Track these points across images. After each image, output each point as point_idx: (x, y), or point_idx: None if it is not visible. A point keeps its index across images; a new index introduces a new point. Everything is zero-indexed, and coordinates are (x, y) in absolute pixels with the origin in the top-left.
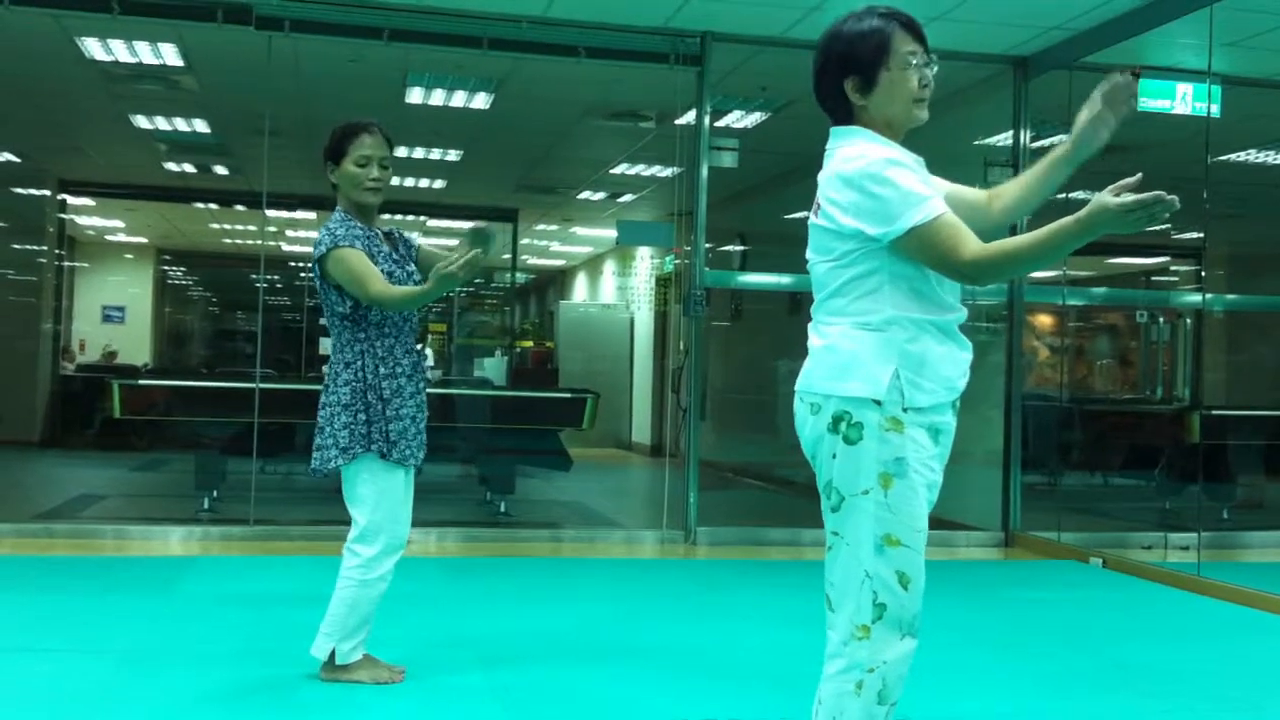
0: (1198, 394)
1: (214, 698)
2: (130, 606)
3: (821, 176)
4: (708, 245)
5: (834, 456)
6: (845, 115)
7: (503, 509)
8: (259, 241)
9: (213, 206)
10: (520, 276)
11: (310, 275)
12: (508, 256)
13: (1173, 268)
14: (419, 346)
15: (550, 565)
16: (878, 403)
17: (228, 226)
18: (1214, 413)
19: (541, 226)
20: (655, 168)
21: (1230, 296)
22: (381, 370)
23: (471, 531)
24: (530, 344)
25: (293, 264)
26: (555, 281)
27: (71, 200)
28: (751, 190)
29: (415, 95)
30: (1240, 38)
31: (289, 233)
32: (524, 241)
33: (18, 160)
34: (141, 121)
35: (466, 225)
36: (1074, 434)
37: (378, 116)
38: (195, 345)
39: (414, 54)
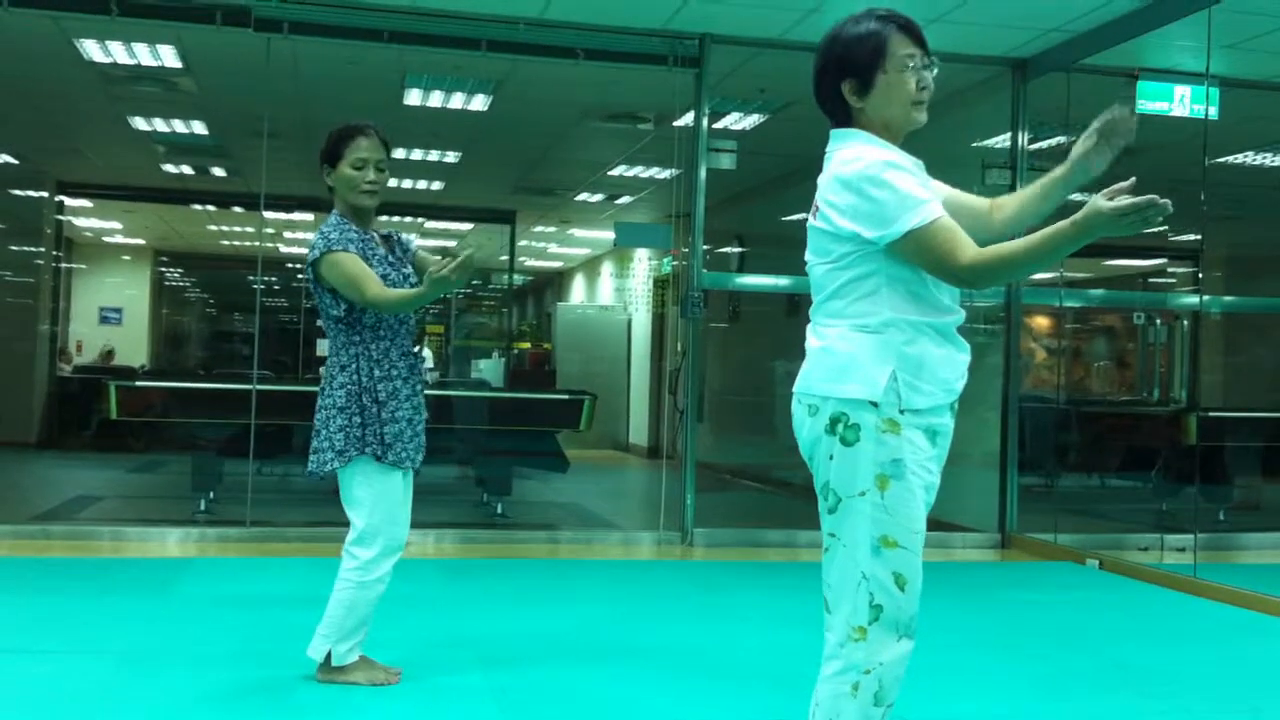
0: (1194, 396)
1: (211, 699)
2: (127, 608)
3: (821, 179)
4: (705, 247)
5: (831, 458)
6: (844, 118)
7: (500, 510)
8: (257, 243)
9: (210, 208)
10: (518, 278)
11: (306, 278)
12: (505, 258)
13: (1170, 270)
14: (416, 349)
15: (547, 566)
16: (875, 404)
17: (225, 228)
18: (1211, 414)
19: (539, 228)
20: (653, 169)
21: (1227, 298)
22: (376, 373)
23: (468, 533)
24: (528, 345)
25: (290, 266)
26: (553, 283)
27: (69, 202)
28: (749, 192)
29: (413, 97)
30: (1238, 40)
31: (287, 234)
32: (522, 243)
33: (16, 162)
34: (140, 123)
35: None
36: (1071, 436)
37: (376, 118)
38: (192, 347)
39: (412, 56)
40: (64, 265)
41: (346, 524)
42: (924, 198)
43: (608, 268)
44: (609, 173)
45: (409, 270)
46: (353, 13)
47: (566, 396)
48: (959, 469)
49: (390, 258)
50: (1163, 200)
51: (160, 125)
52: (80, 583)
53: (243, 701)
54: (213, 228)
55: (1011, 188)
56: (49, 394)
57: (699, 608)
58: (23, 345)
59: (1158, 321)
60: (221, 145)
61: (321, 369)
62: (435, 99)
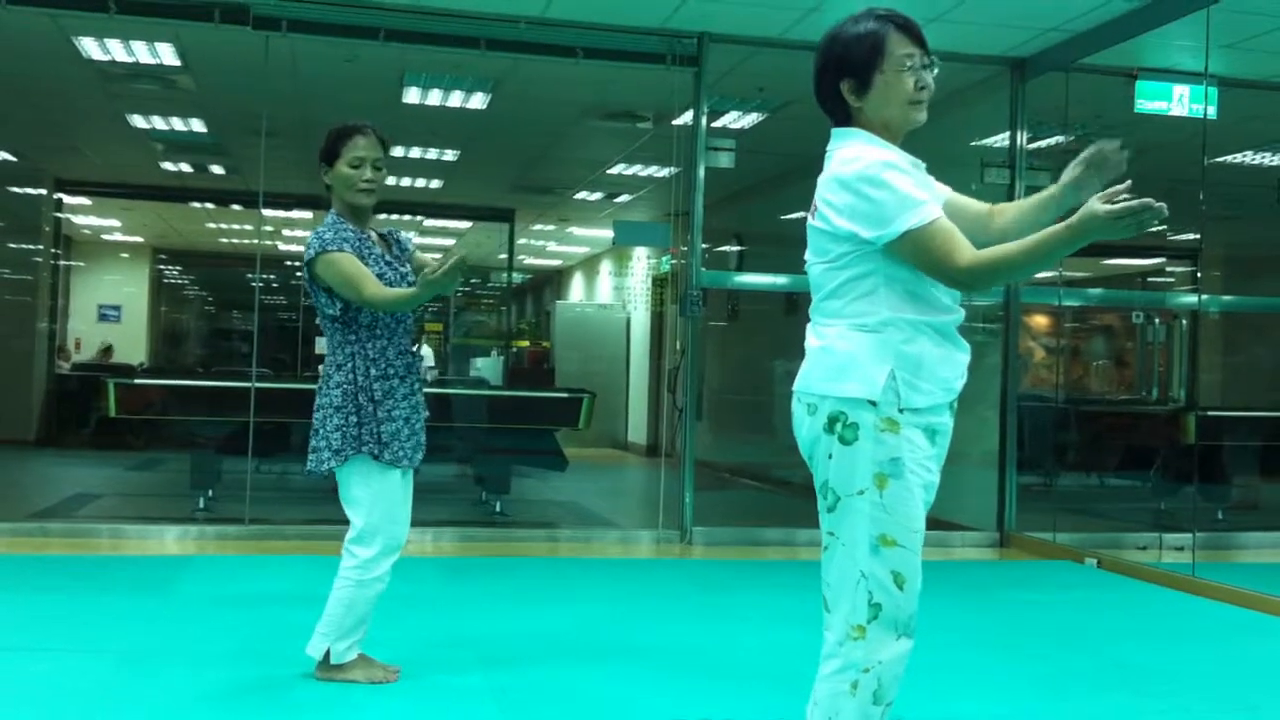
0: (1193, 395)
1: (210, 697)
2: (126, 606)
3: (820, 178)
4: (704, 246)
5: (830, 457)
6: (844, 117)
7: (499, 509)
8: (255, 241)
9: (209, 206)
10: (517, 276)
11: (302, 277)
12: (504, 256)
13: (1169, 269)
14: (415, 347)
15: (546, 565)
16: (873, 403)
17: (224, 226)
18: (1209, 414)
19: (538, 226)
20: (652, 168)
21: (1226, 298)
22: (373, 372)
23: (467, 531)
24: (526, 344)
25: (289, 263)
26: (552, 281)
27: (68, 199)
28: (748, 191)
29: (412, 95)
30: (1237, 40)
31: (285, 232)
32: (520, 241)
33: (14, 159)
34: (138, 121)
35: (465, 225)
36: (1070, 435)
37: (374, 116)
38: (191, 344)
39: (411, 54)
40: (62, 263)
41: (346, 522)
42: (922, 199)
43: (606, 266)
44: (608, 171)
45: (407, 269)
46: (351, 11)
47: (565, 395)
48: (957, 468)
49: (387, 257)
50: (1158, 204)
51: (159, 123)
52: (79, 581)
53: (241, 699)
54: (211, 225)
55: (1010, 186)
56: (47, 392)
57: (698, 606)
58: (21, 343)
59: (1156, 321)
60: (220, 143)
61: (320, 367)
62: (434, 97)
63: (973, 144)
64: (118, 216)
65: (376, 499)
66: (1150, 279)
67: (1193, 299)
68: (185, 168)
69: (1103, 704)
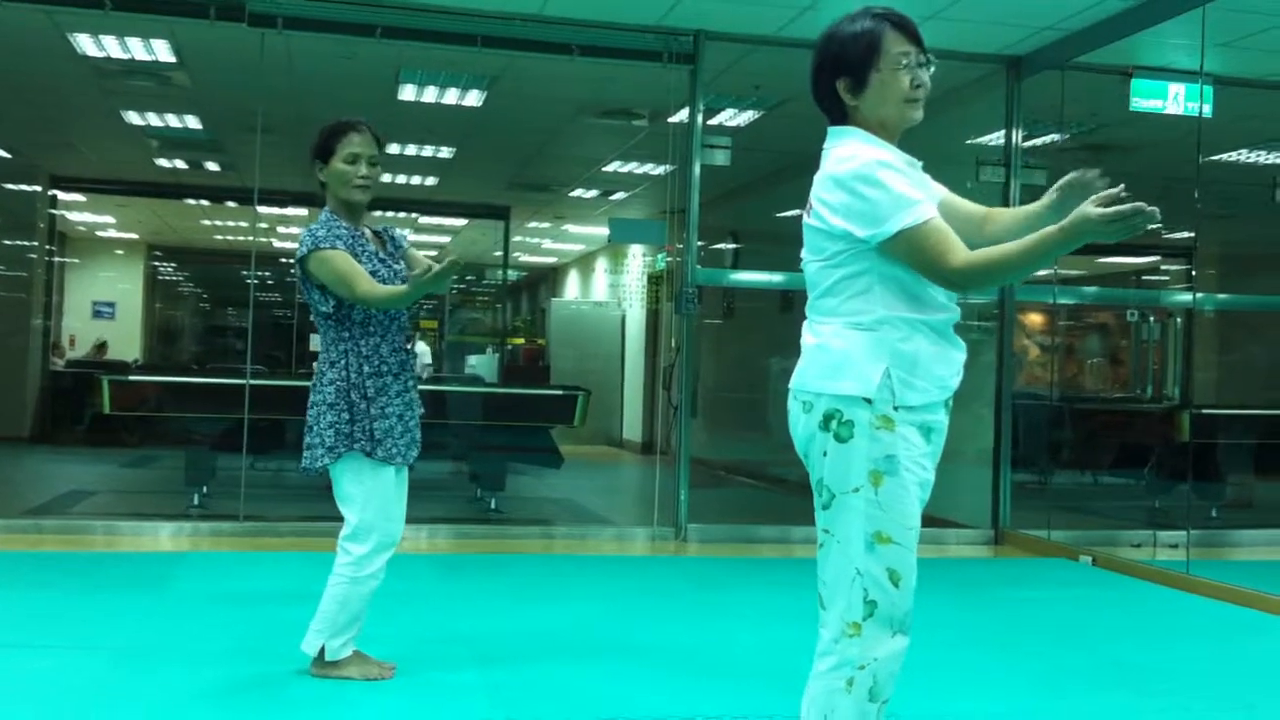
0: (1188, 393)
1: (205, 694)
2: (121, 603)
3: (816, 177)
4: (700, 243)
5: (825, 454)
6: (840, 116)
7: (494, 506)
8: (250, 238)
9: (204, 203)
10: (512, 274)
11: (295, 274)
12: (499, 254)
13: (1164, 267)
14: (409, 345)
15: (541, 562)
16: (868, 401)
17: (219, 223)
18: (1204, 412)
19: (533, 224)
20: (648, 166)
21: (1221, 296)
22: (366, 369)
23: (462, 528)
24: (522, 341)
25: (284, 260)
26: (547, 279)
27: (63, 196)
28: (744, 189)
29: (408, 92)
30: (1232, 38)
31: (280, 229)
32: (516, 239)
33: (9, 156)
34: (133, 117)
35: (460, 222)
36: (1064, 433)
37: (370, 113)
38: (186, 341)
39: (407, 51)
40: (57, 260)
41: (340, 519)
42: (916, 198)
43: (602, 263)
44: (603, 169)
45: (400, 266)
46: (347, 7)
47: (560, 392)
48: (952, 465)
49: (381, 254)
50: (1150, 208)
51: (154, 120)
52: (73, 578)
53: (236, 696)
54: (206, 222)
55: (1005, 185)
56: (42, 388)
57: (693, 604)
58: (16, 340)
59: (1151, 319)
60: (215, 140)
61: (314, 364)
62: (430, 94)
63: (968, 142)
64: (113, 213)
65: (370, 496)
66: (1145, 277)
67: (1187, 297)
68: (180, 164)
69: (1098, 702)
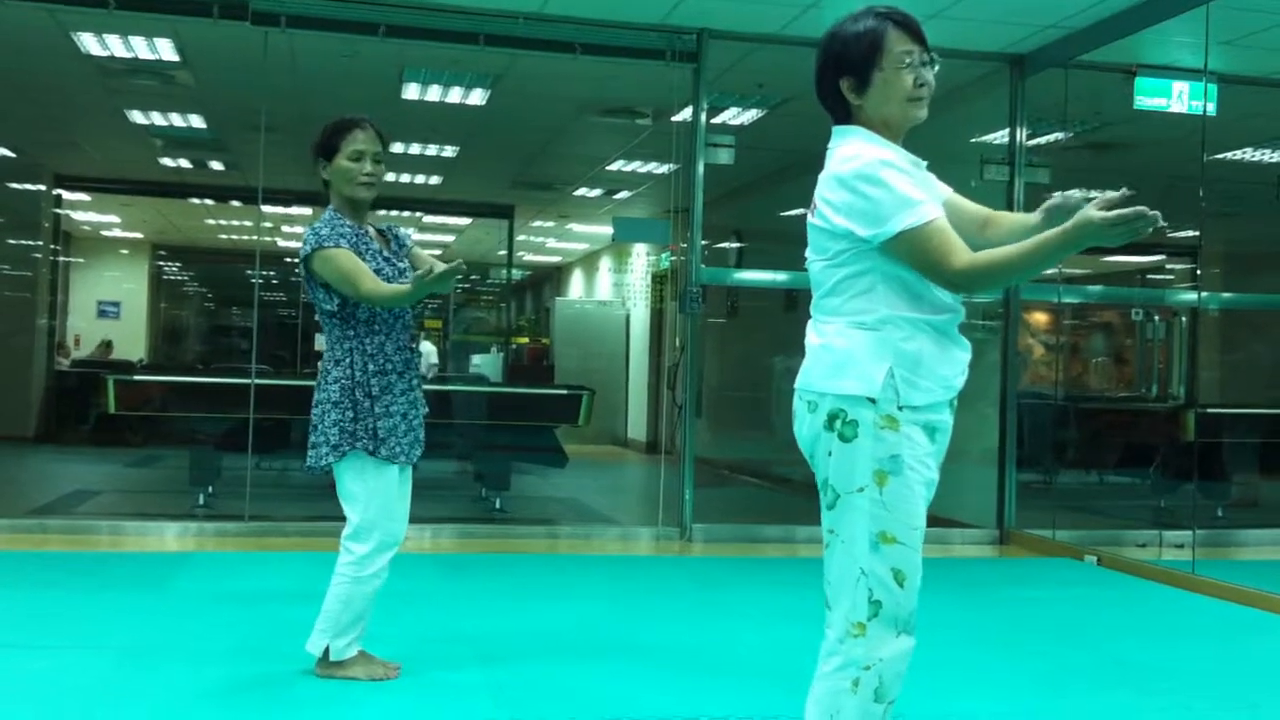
0: (1193, 392)
1: (210, 694)
2: (126, 602)
3: (821, 176)
4: (704, 242)
5: (830, 454)
6: (844, 115)
7: (498, 505)
8: (254, 237)
9: (208, 202)
10: (516, 273)
11: (299, 273)
12: (503, 253)
13: (1168, 266)
14: (413, 344)
15: (546, 562)
16: (872, 401)
17: (223, 222)
18: (1209, 411)
19: (537, 223)
20: (651, 164)
21: (1225, 295)
22: (371, 367)
23: (467, 528)
24: (526, 340)
25: (288, 259)
26: (551, 278)
27: (67, 195)
28: (748, 187)
29: (411, 91)
30: (1236, 36)
31: (284, 228)
32: (520, 238)
33: (13, 155)
34: (137, 117)
35: (464, 221)
36: (1069, 432)
37: (373, 112)
38: (190, 341)
39: (410, 50)
40: (61, 259)
41: (345, 519)
42: (919, 198)
43: (606, 263)
44: (607, 168)
45: (404, 265)
46: (350, 6)
47: (565, 392)
48: (957, 465)
49: (385, 253)
50: (1152, 212)
51: (158, 119)
52: (78, 577)
53: (241, 696)
54: (210, 221)
55: (1009, 183)
56: (47, 388)
57: (697, 603)
58: (20, 339)
59: (1156, 318)
60: (219, 139)
61: (319, 363)
62: (433, 93)
63: (972, 140)
64: (117, 212)
65: (373, 494)
66: (1150, 276)
67: (1192, 296)
68: (184, 164)
69: (1102, 701)
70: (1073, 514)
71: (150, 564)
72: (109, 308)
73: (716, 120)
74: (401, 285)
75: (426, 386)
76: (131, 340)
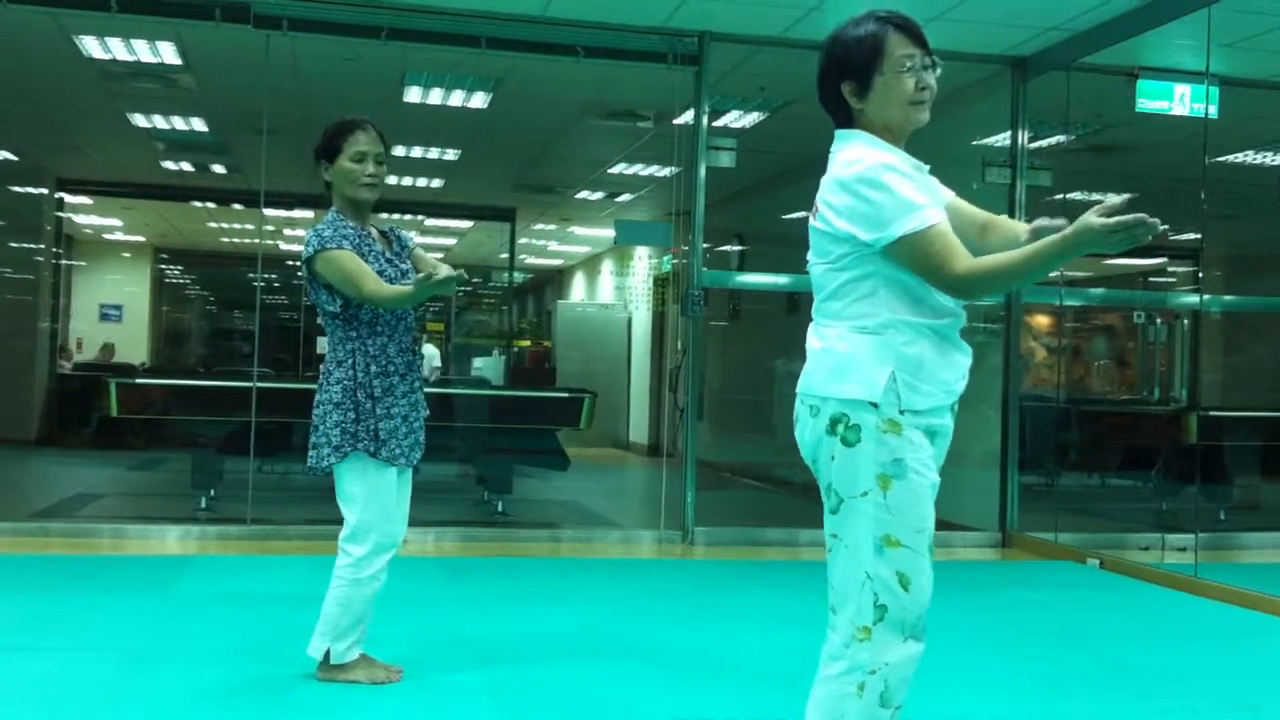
0: (1195, 395)
1: (211, 696)
2: (128, 605)
3: (823, 180)
4: (705, 245)
5: (833, 459)
6: (846, 119)
7: (500, 509)
8: (256, 240)
9: (210, 205)
10: (518, 276)
11: (302, 275)
12: (505, 256)
13: (1170, 268)
14: (415, 347)
15: (548, 565)
16: (874, 405)
17: (225, 225)
18: (1211, 414)
19: (539, 226)
20: (653, 167)
21: (1227, 297)
22: (373, 369)
23: (469, 531)
24: (528, 343)
25: (290, 263)
26: (553, 281)
27: (69, 199)
28: (749, 190)
29: (413, 94)
30: (1238, 39)
31: (286, 231)
32: (522, 241)
33: (15, 159)
34: (139, 120)
35: (466, 224)
36: (1071, 435)
37: (375, 115)
38: (192, 344)
39: (412, 53)
40: (64, 262)
41: (344, 521)
42: (920, 203)
43: (608, 266)
44: (609, 170)
45: (407, 266)
46: (352, 9)
47: (567, 395)
48: (959, 468)
49: (388, 254)
50: (1152, 219)
51: (160, 122)
52: (80, 580)
53: (243, 699)
54: (213, 225)
55: (1011, 186)
56: (49, 391)
57: (699, 606)
58: (23, 342)
59: (1158, 320)
60: (221, 142)
61: (321, 365)
62: (435, 96)
63: (974, 143)
64: (119, 216)
65: (371, 496)
66: (1152, 279)
67: (1194, 299)
68: (186, 167)
69: (1105, 704)
70: (1075, 517)
71: (152, 567)
72: (111, 311)
73: (718, 123)
74: (404, 286)
75: (428, 389)
76: (133, 343)
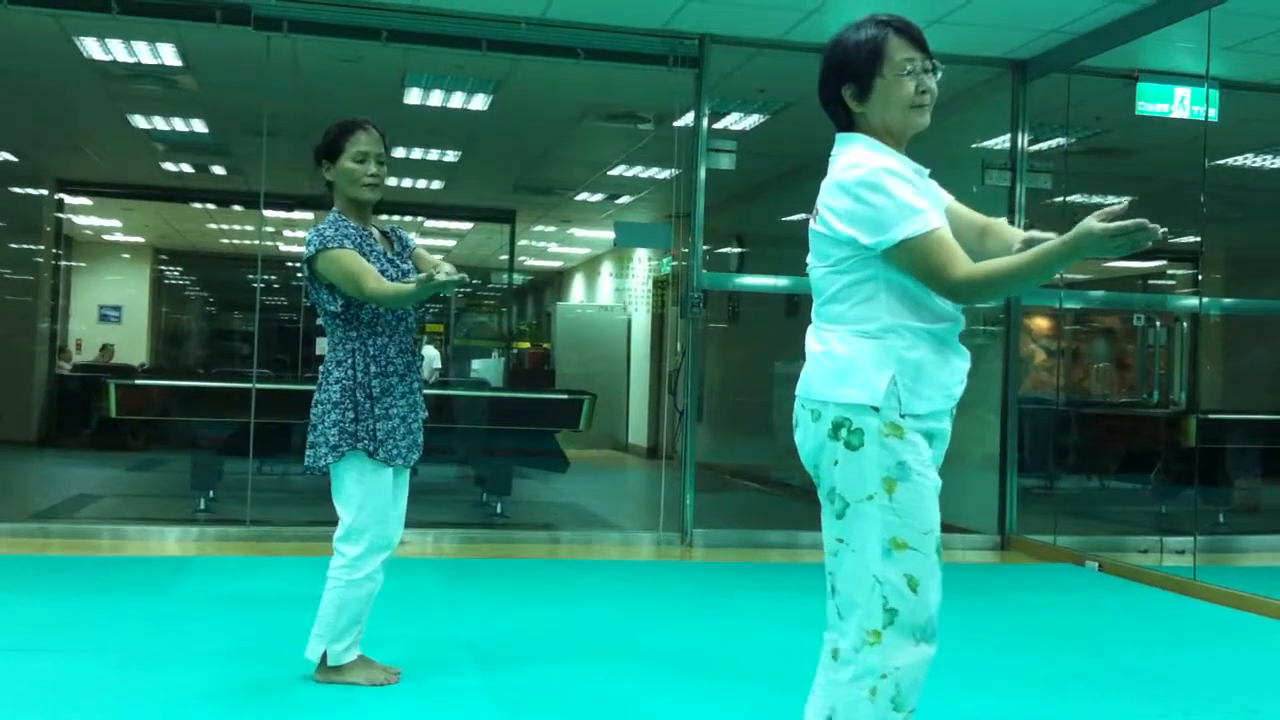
0: (1194, 397)
1: (210, 697)
2: (127, 606)
3: (824, 183)
4: (705, 247)
5: (836, 463)
6: (847, 122)
7: (499, 510)
8: (256, 241)
9: (210, 206)
10: (518, 277)
11: (302, 275)
12: (505, 257)
13: (1170, 271)
14: (414, 348)
15: (547, 567)
16: (875, 409)
17: (225, 226)
18: (1210, 416)
19: (539, 227)
20: (653, 169)
21: (1227, 300)
22: (372, 369)
23: (468, 533)
24: (527, 345)
25: (290, 264)
26: (553, 283)
27: (69, 199)
28: (749, 192)
29: (413, 96)
30: (1238, 42)
31: (286, 233)
32: (522, 242)
33: (15, 159)
34: (139, 121)
35: (466, 226)
36: (1070, 437)
37: (376, 117)
38: (192, 345)
39: (412, 54)
40: (63, 263)
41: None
42: (921, 207)
43: (607, 267)
44: (609, 172)
45: (408, 266)
46: (353, 11)
47: (566, 396)
48: (958, 470)
49: (389, 254)
50: (1152, 225)
51: (160, 123)
52: (79, 581)
53: (242, 700)
54: (212, 226)
55: (1011, 188)
56: (48, 392)
57: (698, 608)
58: (22, 343)
59: (1157, 323)
60: (221, 143)
61: (320, 366)
62: (435, 98)
63: (974, 146)
64: (119, 217)
65: (367, 496)
66: (1151, 281)
67: (1194, 301)
68: (186, 168)
69: (1103, 706)
70: (1074, 519)
71: (151, 568)
72: (110, 312)
73: (718, 125)
74: (405, 285)
75: (427, 391)
76: (133, 344)
